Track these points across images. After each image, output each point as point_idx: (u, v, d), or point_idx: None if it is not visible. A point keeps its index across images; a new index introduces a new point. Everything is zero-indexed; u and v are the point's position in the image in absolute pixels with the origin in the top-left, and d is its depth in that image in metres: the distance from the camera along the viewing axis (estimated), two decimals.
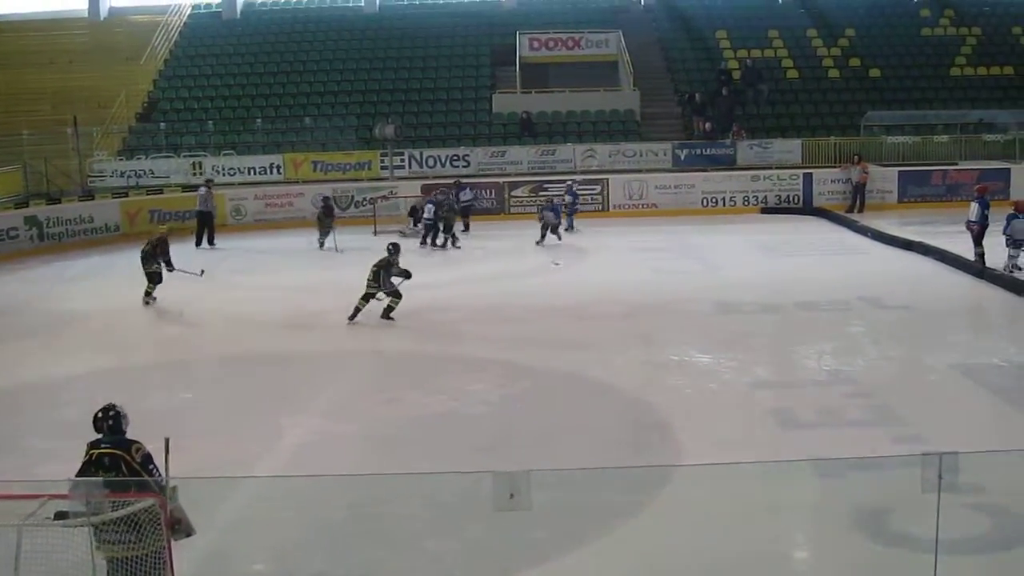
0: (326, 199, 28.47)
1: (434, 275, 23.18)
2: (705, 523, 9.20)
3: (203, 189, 28.87)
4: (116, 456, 7.68)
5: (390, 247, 18.97)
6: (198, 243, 28.09)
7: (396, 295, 18.45)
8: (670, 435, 12.20)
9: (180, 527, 7.50)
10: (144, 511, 7.19)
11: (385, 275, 18.42)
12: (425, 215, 27.34)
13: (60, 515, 7.13)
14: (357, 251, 24.74)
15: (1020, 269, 20.62)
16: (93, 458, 7.77)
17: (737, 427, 12.40)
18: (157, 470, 7.62)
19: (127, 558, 7.27)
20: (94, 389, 14.21)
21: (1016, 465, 9.21)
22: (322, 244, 27.12)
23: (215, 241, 28.47)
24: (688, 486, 9.68)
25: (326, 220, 27.33)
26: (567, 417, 13.16)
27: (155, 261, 20.53)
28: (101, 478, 7.62)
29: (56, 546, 7.06)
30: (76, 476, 7.70)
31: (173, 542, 7.42)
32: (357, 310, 18.35)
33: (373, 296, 18.44)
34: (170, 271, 20.68)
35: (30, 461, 11.66)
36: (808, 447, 11.44)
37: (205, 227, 28.52)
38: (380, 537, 9.38)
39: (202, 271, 21.52)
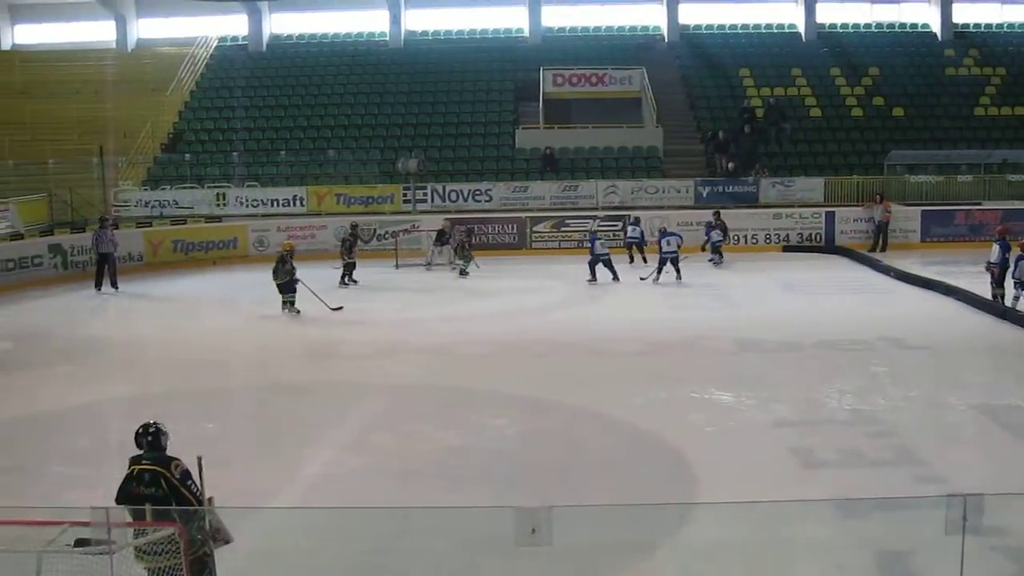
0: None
1: (454, 309, 23.27)
2: (725, 562, 9.13)
3: (103, 229, 26.77)
4: (156, 472, 8.01)
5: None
6: (98, 286, 26.18)
7: None
8: (690, 473, 12.13)
9: (219, 535, 7.90)
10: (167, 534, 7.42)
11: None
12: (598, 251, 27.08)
13: (81, 542, 7.16)
14: (377, 285, 24.86)
15: None
16: (134, 473, 8.10)
17: (758, 465, 12.32)
18: (195, 485, 8.04)
19: (167, 567, 7.42)
20: (115, 417, 14.25)
21: None
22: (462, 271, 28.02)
23: (118, 284, 26.36)
24: (708, 525, 9.60)
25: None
26: (586, 454, 13.10)
27: (283, 273, 22.38)
28: (125, 506, 7.93)
29: (76, 573, 7.06)
30: (119, 489, 8.11)
31: (214, 549, 7.85)
32: None
33: None
34: (295, 281, 22.44)
35: (52, 488, 11.71)
36: (829, 487, 11.38)
37: (106, 268, 26.39)
38: (398, 573, 9.33)
39: (340, 307, 22.61)
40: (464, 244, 28.22)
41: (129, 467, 8.17)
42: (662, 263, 26.53)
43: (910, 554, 9.28)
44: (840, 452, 12.78)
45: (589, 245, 27.34)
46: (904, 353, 18.41)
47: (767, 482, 11.51)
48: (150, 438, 8.22)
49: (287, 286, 22.42)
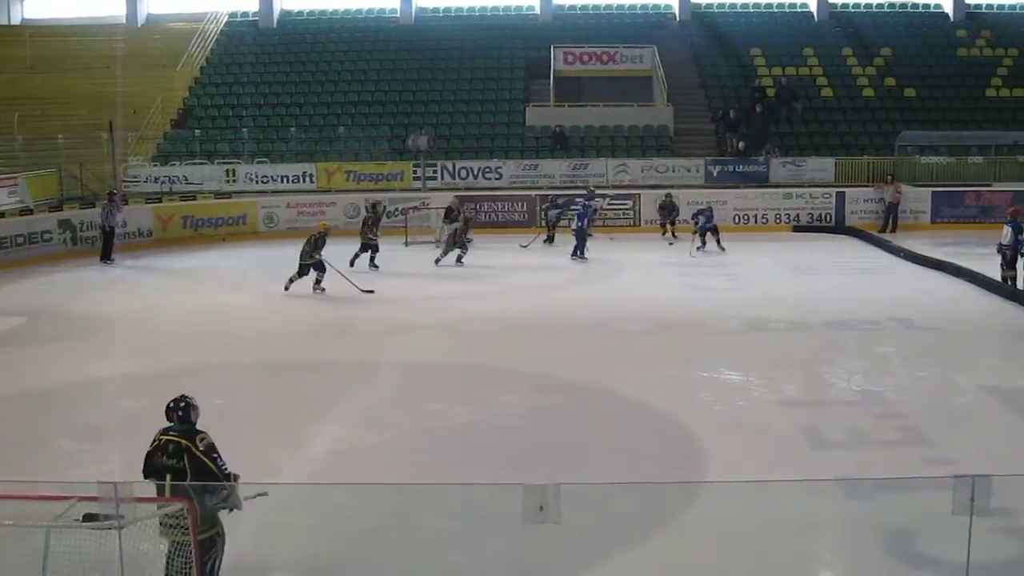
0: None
1: (463, 287, 23.27)
2: (732, 541, 9.16)
3: (112, 204, 27.34)
4: (180, 445, 8.04)
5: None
6: (103, 259, 26.81)
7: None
8: (698, 452, 12.15)
9: (228, 502, 8.00)
10: (176, 511, 7.50)
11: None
12: (574, 226, 27.18)
13: (89, 517, 7.18)
14: (387, 262, 24.93)
15: None
16: (161, 443, 8.14)
17: (765, 445, 12.34)
18: (221, 459, 8.08)
19: (186, 542, 7.49)
20: (123, 393, 14.34)
21: None
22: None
23: (112, 256, 26.95)
24: (716, 503, 9.63)
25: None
26: (596, 432, 13.12)
27: (311, 255, 21.99)
28: (141, 480, 8.01)
29: (85, 548, 7.10)
30: (143, 461, 8.15)
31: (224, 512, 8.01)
32: None
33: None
34: (310, 264, 21.98)
35: (59, 463, 11.75)
36: (837, 467, 11.40)
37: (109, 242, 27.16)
38: (405, 548, 9.36)
39: (371, 290, 22.07)
40: (458, 231, 26.79)
41: (155, 439, 8.21)
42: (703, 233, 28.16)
43: (917, 534, 9.30)
44: (848, 432, 12.78)
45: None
46: (913, 334, 18.38)
47: (775, 462, 11.53)
48: (180, 413, 8.27)
49: (303, 266, 22.10)
